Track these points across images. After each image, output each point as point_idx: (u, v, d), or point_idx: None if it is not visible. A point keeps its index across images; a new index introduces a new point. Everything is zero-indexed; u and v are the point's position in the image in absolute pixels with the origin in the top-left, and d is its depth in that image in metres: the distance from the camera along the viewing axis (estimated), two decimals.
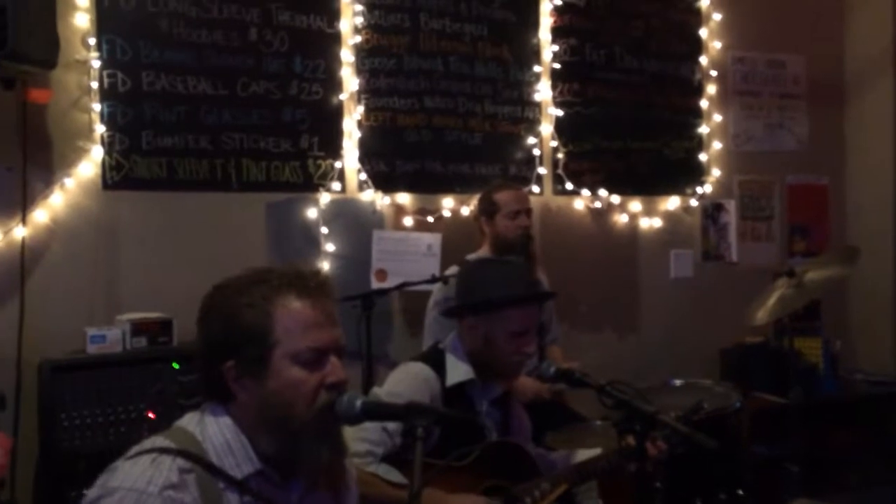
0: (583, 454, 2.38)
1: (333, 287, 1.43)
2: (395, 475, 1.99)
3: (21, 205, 2.91)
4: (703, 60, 4.41)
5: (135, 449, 1.31)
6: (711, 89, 4.44)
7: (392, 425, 1.99)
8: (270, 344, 1.32)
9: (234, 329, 1.33)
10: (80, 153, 3.05)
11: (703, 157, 4.40)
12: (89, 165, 3.06)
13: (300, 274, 1.39)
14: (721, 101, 4.48)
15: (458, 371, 2.18)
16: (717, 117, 4.46)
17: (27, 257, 2.92)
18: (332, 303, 1.40)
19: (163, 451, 1.28)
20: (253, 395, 1.33)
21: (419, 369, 2.18)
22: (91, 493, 1.26)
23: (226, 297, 1.37)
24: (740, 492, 2.90)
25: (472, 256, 3.34)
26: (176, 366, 2.79)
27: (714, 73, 4.44)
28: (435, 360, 2.21)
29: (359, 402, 1.37)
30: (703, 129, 4.41)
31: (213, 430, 1.34)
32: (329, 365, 1.35)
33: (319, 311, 1.36)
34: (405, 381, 2.15)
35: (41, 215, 2.98)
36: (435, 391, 2.13)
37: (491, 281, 2.19)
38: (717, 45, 4.45)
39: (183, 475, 1.26)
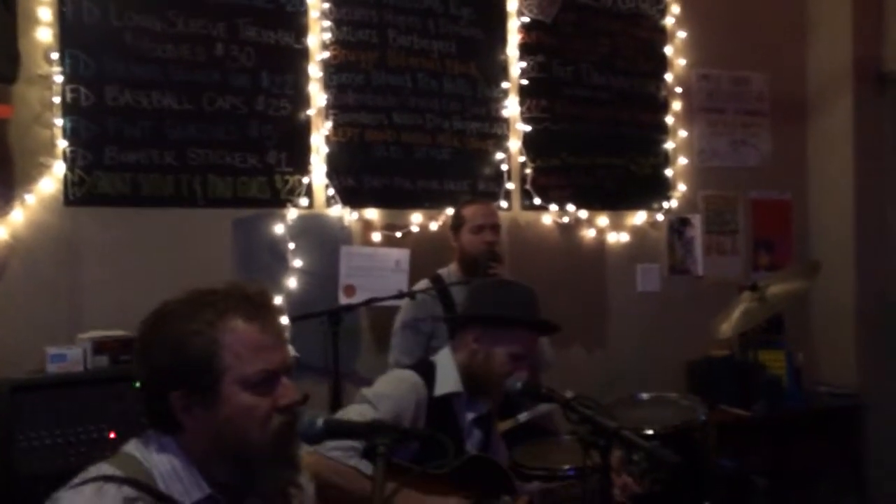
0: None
1: (277, 305, 1.41)
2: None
3: None
4: (669, 77, 4.48)
5: (79, 477, 1.27)
6: (677, 106, 4.51)
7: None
8: (219, 371, 1.28)
9: (181, 358, 1.28)
10: (41, 169, 3.00)
11: (668, 172, 4.46)
12: (51, 181, 3.01)
13: (245, 295, 1.34)
14: (686, 118, 4.54)
15: (446, 382, 2.20)
16: (683, 133, 4.52)
17: None
18: (279, 321, 1.38)
19: (108, 479, 1.24)
20: (203, 424, 1.29)
21: (408, 375, 2.20)
22: None
23: (169, 324, 1.31)
24: None
25: (443, 271, 3.35)
26: (138, 384, 2.73)
27: (679, 90, 4.51)
28: (424, 369, 2.23)
29: (320, 421, 1.37)
30: (669, 145, 4.47)
31: (158, 457, 1.30)
32: (280, 387, 1.32)
33: (268, 332, 1.33)
34: (393, 383, 2.17)
35: (0, 232, 2.93)
36: (421, 397, 2.14)
37: (507, 299, 2.23)
38: (682, 62, 4.52)
39: None
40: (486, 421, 2.31)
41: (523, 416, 3.11)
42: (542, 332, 2.40)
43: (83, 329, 2.94)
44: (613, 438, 1.68)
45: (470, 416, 2.25)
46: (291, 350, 1.40)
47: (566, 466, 2.48)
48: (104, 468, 1.28)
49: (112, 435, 2.68)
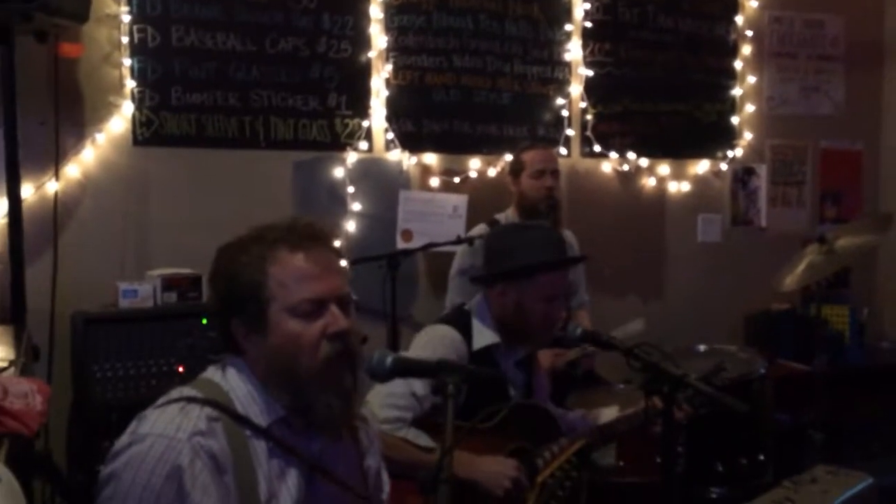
0: (604, 413, 2.40)
1: (330, 236, 1.43)
2: (424, 439, 2.01)
3: (53, 159, 2.93)
4: (739, 20, 4.31)
5: (163, 398, 1.33)
6: (746, 50, 4.34)
7: (420, 390, 2.01)
8: (266, 299, 1.34)
9: (235, 288, 1.36)
10: (110, 108, 3.06)
11: (735, 120, 4.33)
12: (120, 121, 3.08)
13: (292, 227, 1.39)
14: (756, 63, 4.38)
15: (484, 335, 2.18)
16: (752, 79, 4.36)
17: (59, 212, 2.96)
18: (329, 252, 1.41)
19: (191, 399, 1.31)
20: (260, 350, 1.36)
21: (445, 331, 2.18)
22: (122, 439, 1.29)
23: (227, 258, 1.39)
24: (761, 457, 2.91)
25: (500, 215, 3.33)
26: (205, 321, 2.82)
27: (749, 33, 4.33)
28: (461, 322, 2.21)
29: (389, 360, 1.38)
30: (737, 92, 4.32)
31: (236, 381, 1.37)
32: (329, 315, 1.35)
33: (313, 262, 1.36)
34: (431, 343, 2.15)
35: (73, 170, 3.02)
36: (461, 353, 2.13)
37: (520, 247, 2.18)
38: (753, 4, 4.34)
39: (211, 423, 1.29)
40: (527, 362, 2.31)
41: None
42: (566, 267, 2.32)
43: (151, 266, 3.03)
44: (678, 385, 1.67)
45: (510, 363, 2.25)
46: (348, 289, 1.41)
47: None
48: (186, 390, 1.34)
49: (181, 369, 2.78)
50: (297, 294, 1.33)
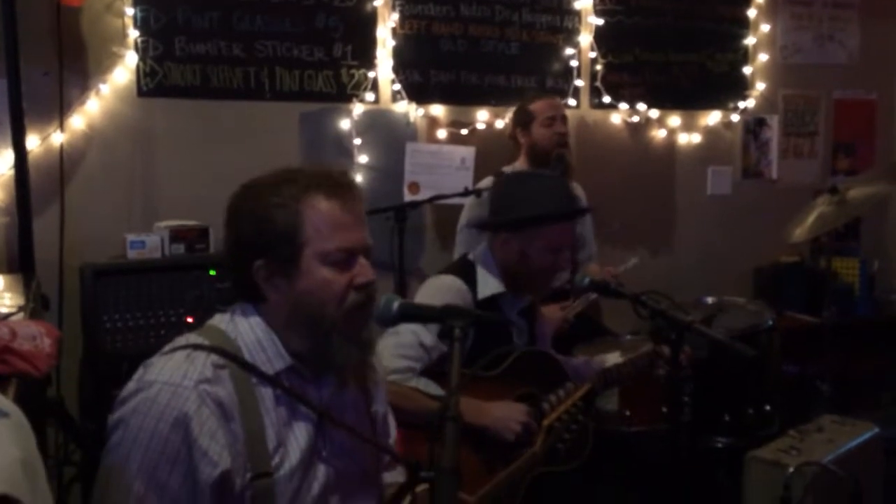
0: (607, 360, 2.41)
1: (360, 189, 1.41)
2: (433, 388, 2.03)
3: (58, 110, 2.91)
4: None
5: (169, 346, 1.33)
6: None
7: (429, 341, 2.02)
8: (300, 243, 1.32)
9: (264, 228, 1.32)
10: (114, 59, 3.02)
11: (747, 69, 4.25)
12: (124, 72, 3.04)
13: (329, 174, 1.37)
14: (769, 11, 4.29)
15: (489, 284, 2.19)
16: (765, 28, 4.28)
17: (65, 163, 2.94)
18: (360, 204, 1.39)
19: (196, 347, 1.30)
20: (283, 294, 1.34)
21: (451, 281, 2.19)
22: (129, 386, 1.28)
23: (255, 197, 1.35)
24: (768, 407, 2.92)
25: (507, 168, 3.31)
26: (213, 272, 2.83)
27: None
28: (465, 272, 2.22)
29: (395, 304, 1.38)
30: (749, 41, 4.24)
31: (244, 328, 1.35)
32: (357, 265, 1.35)
33: (348, 211, 1.35)
34: (438, 293, 2.15)
35: (78, 121, 2.99)
36: (467, 302, 2.14)
37: (528, 196, 2.17)
38: None
39: (217, 370, 1.28)
40: (529, 311, 2.32)
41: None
42: (572, 218, 2.32)
43: (158, 218, 3.03)
44: (686, 331, 1.67)
45: (515, 310, 2.26)
46: (371, 242, 1.40)
47: None
48: (192, 338, 1.34)
49: (189, 320, 2.79)
50: (331, 242, 1.32)
